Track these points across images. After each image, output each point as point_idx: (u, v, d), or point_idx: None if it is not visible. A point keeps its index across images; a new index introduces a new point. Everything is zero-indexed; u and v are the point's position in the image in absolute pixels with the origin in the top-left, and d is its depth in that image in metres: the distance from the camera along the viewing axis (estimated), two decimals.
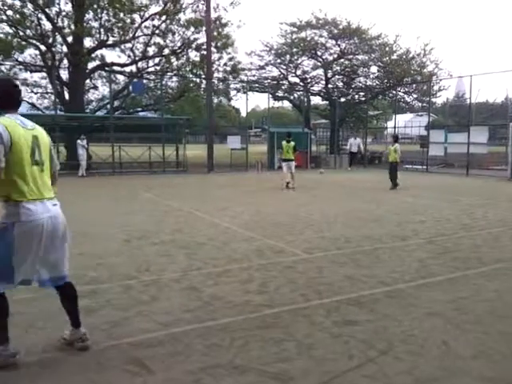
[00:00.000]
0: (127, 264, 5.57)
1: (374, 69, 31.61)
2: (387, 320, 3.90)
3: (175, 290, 4.63)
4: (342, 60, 31.25)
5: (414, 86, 31.02)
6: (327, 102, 33.71)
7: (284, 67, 32.17)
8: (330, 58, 31.21)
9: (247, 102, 34.99)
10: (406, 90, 31.42)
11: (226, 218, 8.98)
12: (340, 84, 33.04)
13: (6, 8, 21.63)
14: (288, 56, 31.11)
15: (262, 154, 25.18)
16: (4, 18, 21.74)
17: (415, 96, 32.11)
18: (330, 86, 32.14)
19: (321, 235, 7.31)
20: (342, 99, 32.02)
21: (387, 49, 29.99)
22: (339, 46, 30.51)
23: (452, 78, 30.95)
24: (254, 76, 31.98)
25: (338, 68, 31.80)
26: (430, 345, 3.44)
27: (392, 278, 5.03)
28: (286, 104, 39.33)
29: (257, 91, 32.35)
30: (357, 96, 32.88)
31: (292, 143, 14.84)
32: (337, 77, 32.49)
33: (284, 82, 33.13)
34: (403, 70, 29.43)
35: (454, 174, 20.15)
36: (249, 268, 5.41)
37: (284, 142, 14.99)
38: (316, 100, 36.07)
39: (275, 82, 32.57)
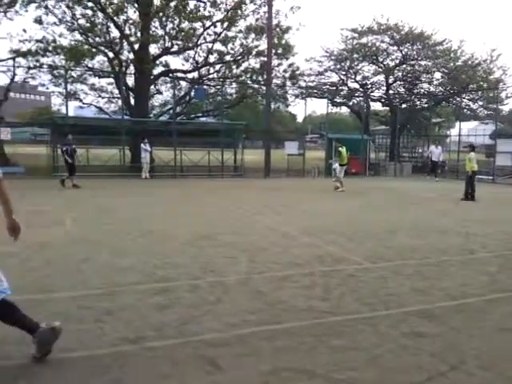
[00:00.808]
0: (192, 264, 5.75)
1: (437, 75, 30.66)
2: (457, 334, 3.79)
3: (240, 292, 4.73)
4: (404, 66, 30.55)
5: (480, 92, 29.76)
6: (387, 108, 33.04)
7: (343, 73, 31.87)
8: (392, 64, 30.59)
9: (305, 108, 34.76)
10: (471, 96, 30.18)
11: (285, 222, 9.02)
12: (401, 90, 32.30)
13: (78, 17, 22.99)
14: (348, 62, 30.81)
15: (318, 160, 25.04)
16: (76, 26, 23.09)
17: (481, 103, 30.80)
18: (390, 91, 31.49)
19: (384, 244, 7.19)
20: (403, 105, 31.28)
21: (452, 55, 28.98)
22: (401, 51, 29.83)
23: None
24: (312, 82, 31.91)
25: (400, 74, 31.10)
26: (503, 361, 3.31)
27: (460, 292, 4.87)
28: (344, 110, 38.94)
29: (315, 97, 32.25)
30: (419, 102, 32.00)
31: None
32: (398, 83, 31.80)
33: (343, 87, 32.80)
34: (468, 76, 28.34)
35: None
36: (311, 274, 5.42)
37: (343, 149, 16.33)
38: (376, 106, 35.50)
39: (334, 88, 32.32)
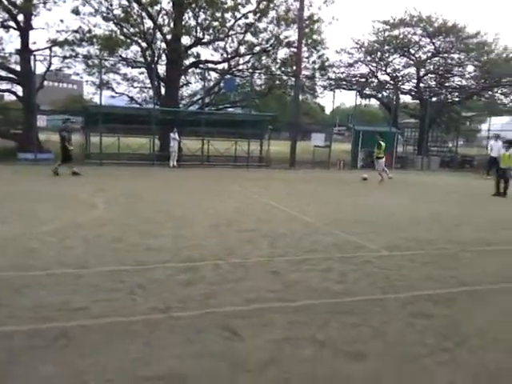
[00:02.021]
0: (216, 247, 6.10)
1: (470, 68, 30.05)
2: (463, 316, 4.02)
3: (259, 272, 5.05)
4: (437, 58, 30.05)
5: None
6: (417, 101, 32.63)
7: (374, 65, 31.59)
8: (424, 57, 30.14)
9: (334, 100, 34.65)
10: (504, 90, 29.51)
11: (308, 212, 9.28)
12: (432, 83, 31.80)
13: (114, 7, 23.58)
14: (379, 53, 30.52)
15: (344, 153, 25.07)
16: (111, 16, 23.67)
17: None
18: (421, 84, 31.06)
19: (404, 235, 7.37)
20: (434, 99, 30.83)
21: (485, 48, 28.36)
22: (433, 43, 29.35)
23: None
24: (342, 73, 31.76)
25: (432, 67, 30.62)
26: (505, 341, 3.53)
27: (472, 280, 5.07)
28: (373, 102, 38.65)
29: (344, 88, 32.08)
30: (450, 96, 31.48)
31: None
32: (429, 75, 31.32)
33: (373, 79, 32.56)
34: (502, 69, 27.70)
35: None
36: (328, 259, 5.70)
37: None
38: (405, 99, 35.06)
39: (364, 80, 32.11)
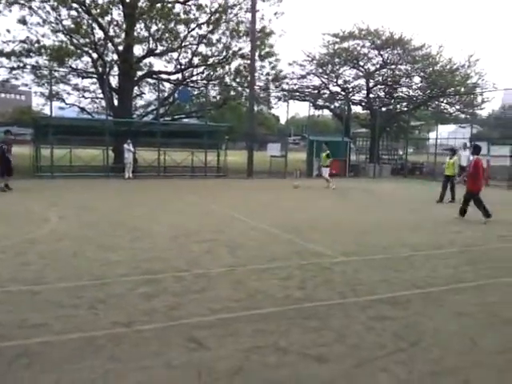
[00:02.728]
0: (177, 258, 6.09)
1: (416, 79, 31.45)
2: (418, 317, 4.22)
3: (222, 282, 5.09)
4: (385, 70, 31.27)
5: (457, 97, 30.64)
6: (368, 112, 33.74)
7: (325, 76, 32.44)
8: (372, 68, 31.28)
9: (288, 110, 35.27)
10: (449, 100, 31.06)
11: (264, 220, 9.39)
12: (382, 94, 33.03)
13: (63, 18, 23.05)
14: (330, 66, 31.39)
15: (300, 162, 25.53)
16: (60, 27, 23.13)
17: (458, 107, 31.71)
18: (371, 95, 32.18)
19: (358, 240, 7.61)
20: (384, 109, 32.01)
21: (430, 59, 29.80)
22: (382, 56, 30.53)
23: (497, 90, 30.35)
24: (295, 85, 32.41)
25: (380, 78, 31.81)
26: (457, 340, 3.75)
27: (425, 282, 5.31)
28: (326, 113, 39.58)
29: (297, 99, 32.78)
30: (398, 106, 32.77)
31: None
32: (379, 86, 32.51)
33: (325, 91, 33.40)
34: (446, 80, 29.17)
35: (495, 187, 19.84)
36: (288, 267, 5.81)
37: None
38: (356, 109, 36.19)
39: (316, 91, 32.88)
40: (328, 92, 33.28)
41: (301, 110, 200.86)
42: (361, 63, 31.22)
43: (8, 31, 23.23)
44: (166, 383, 2.98)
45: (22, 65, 23.75)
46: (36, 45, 23.19)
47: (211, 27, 24.72)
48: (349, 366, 3.28)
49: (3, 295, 4.51)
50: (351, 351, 3.50)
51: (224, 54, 25.99)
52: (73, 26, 22.92)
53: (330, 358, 3.38)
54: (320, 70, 32.02)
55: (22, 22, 22.75)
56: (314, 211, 11.27)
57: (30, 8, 22.47)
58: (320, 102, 33.56)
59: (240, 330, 3.80)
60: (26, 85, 26.44)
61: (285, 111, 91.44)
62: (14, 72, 24.08)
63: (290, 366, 3.24)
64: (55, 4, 22.40)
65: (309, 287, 4.99)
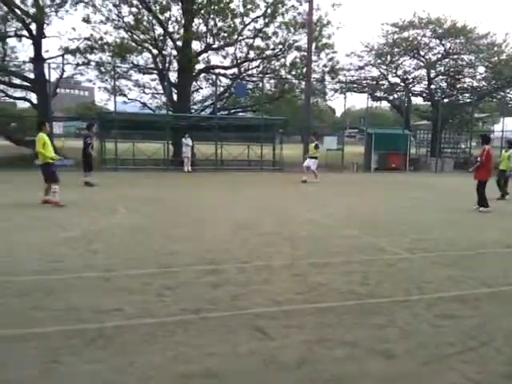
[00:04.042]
0: (239, 250, 6.20)
1: (481, 69, 29.96)
2: (489, 317, 4.05)
3: (284, 275, 5.13)
4: (447, 60, 30.03)
5: None
6: (429, 103, 32.57)
7: (384, 67, 31.63)
8: (434, 58, 30.13)
9: (345, 103, 34.62)
10: None
11: (325, 214, 9.34)
12: (443, 84, 31.78)
13: (124, 15, 23.89)
14: (389, 56, 30.56)
15: (357, 156, 25.09)
16: (122, 24, 23.98)
17: None
18: (432, 86, 31.02)
19: (423, 237, 7.41)
20: (446, 100, 30.79)
21: (496, 48, 28.25)
22: (443, 45, 29.34)
23: None
24: (352, 76, 31.81)
25: (442, 68, 30.60)
26: None
27: (495, 281, 5.09)
28: (384, 104, 38.60)
29: (355, 91, 32.16)
30: (461, 97, 31.39)
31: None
32: (440, 77, 31.29)
33: (384, 82, 32.57)
34: None
35: None
36: (351, 262, 5.76)
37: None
38: (417, 101, 35.02)
39: (374, 83, 32.13)
40: (387, 83, 32.44)
41: (357, 101, 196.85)
42: (421, 53, 30.18)
43: (73, 29, 24.51)
44: (233, 370, 3.06)
45: (86, 61, 24.89)
46: (99, 42, 24.19)
47: (267, 20, 24.72)
48: (416, 364, 3.22)
49: (78, 281, 4.78)
50: (418, 349, 3.43)
51: (280, 46, 25.93)
52: (133, 22, 23.68)
53: (396, 354, 3.33)
54: (379, 61, 31.27)
55: (86, 20, 23.76)
56: (376, 206, 11.06)
57: (94, 6, 23.44)
58: (378, 94, 32.79)
59: (304, 322, 3.82)
60: (91, 80, 27.69)
61: (341, 103, 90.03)
62: (79, 68, 25.28)
63: (357, 361, 3.22)
64: (117, 1, 23.25)
65: (372, 283, 4.92)
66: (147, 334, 3.55)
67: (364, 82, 32.10)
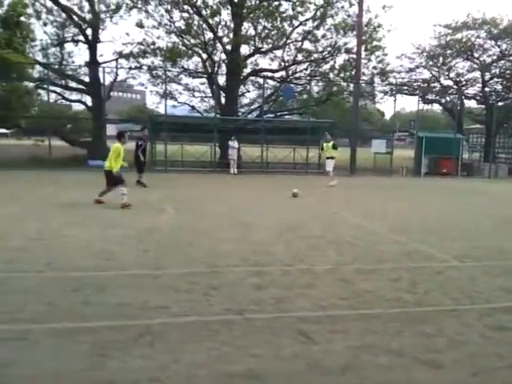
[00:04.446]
0: (283, 253, 6.22)
1: None
2: None
3: (329, 279, 5.10)
4: (503, 62, 28.78)
5: None
6: (483, 106, 31.33)
7: (436, 69, 30.75)
8: (489, 60, 28.97)
9: (395, 105, 33.98)
10: None
11: (371, 220, 9.19)
12: (499, 87, 30.46)
13: (175, 20, 24.51)
14: (441, 58, 29.70)
15: (406, 160, 24.50)
16: (173, 28, 24.60)
17: None
18: (487, 89, 29.85)
19: (473, 244, 7.15)
20: (500, 103, 29.48)
21: None
22: (499, 46, 28.16)
23: None
24: (403, 78, 31.15)
25: (497, 70, 29.36)
26: None
27: None
28: (436, 107, 37.51)
29: (405, 94, 31.42)
30: None
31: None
32: (495, 79, 30.02)
33: (435, 84, 31.65)
34: None
35: None
36: (398, 269, 5.64)
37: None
38: (470, 104, 33.77)
39: (426, 85, 31.27)
40: (439, 85, 31.49)
41: (407, 104, 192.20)
42: (475, 55, 29.10)
43: (127, 34, 25.34)
44: (276, 372, 3.08)
45: (138, 65, 25.72)
46: (151, 46, 24.94)
47: (316, 23, 24.62)
48: (465, 375, 3.12)
49: (128, 278, 4.96)
50: (467, 359, 3.32)
51: (329, 49, 25.74)
52: (184, 27, 24.23)
53: (444, 364, 3.24)
54: (430, 63, 30.45)
55: (140, 25, 24.56)
56: (426, 211, 10.77)
57: (147, 12, 24.20)
58: (430, 96, 31.89)
59: (348, 328, 3.79)
60: (143, 84, 28.56)
61: (390, 106, 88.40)
62: (132, 72, 26.15)
63: (402, 369, 3.16)
64: (169, 7, 23.88)
65: (420, 291, 4.81)
66: (192, 332, 3.63)
67: (415, 84, 31.32)
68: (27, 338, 3.45)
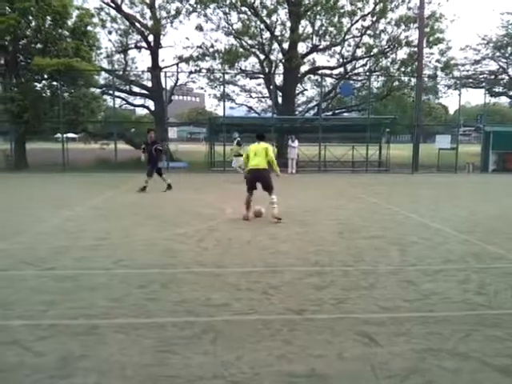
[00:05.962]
0: (343, 253, 6.13)
1: None
2: None
3: (391, 280, 4.96)
4: None
5: None
6: None
7: (504, 60, 29.11)
8: None
9: (459, 99, 32.41)
10: None
11: (436, 219, 8.84)
12: None
13: (233, 22, 24.83)
14: (509, 48, 28.04)
15: (472, 156, 23.35)
16: (231, 30, 24.92)
17: None
18: None
19: None
20: None
21: None
22: None
23: None
24: (467, 71, 29.72)
25: None
26: None
27: None
28: (503, 100, 35.46)
29: (470, 87, 29.99)
30: None
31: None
32: None
33: (503, 76, 29.92)
34: None
35: None
36: (466, 269, 5.39)
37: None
38: None
39: (493, 77, 29.65)
40: (507, 77, 29.72)
41: (472, 98, 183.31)
42: None
43: (187, 38, 26.01)
44: (339, 373, 3.04)
45: (198, 69, 26.31)
46: (210, 49, 25.43)
47: (376, 17, 24.03)
48: None
49: (189, 275, 5.09)
50: None
51: (389, 43, 25.04)
52: (242, 28, 24.48)
53: None
54: (497, 54, 28.86)
55: (199, 28, 25.11)
56: (493, 209, 10.21)
57: (205, 15, 24.70)
58: (497, 89, 30.20)
59: (413, 331, 3.67)
60: (202, 88, 29.18)
61: (454, 100, 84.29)
62: (192, 76, 26.80)
63: (470, 374, 3.02)
64: (227, 9, 24.23)
65: (490, 293, 4.57)
66: (253, 330, 3.67)
67: (481, 76, 29.78)
68: (96, 332, 3.63)
